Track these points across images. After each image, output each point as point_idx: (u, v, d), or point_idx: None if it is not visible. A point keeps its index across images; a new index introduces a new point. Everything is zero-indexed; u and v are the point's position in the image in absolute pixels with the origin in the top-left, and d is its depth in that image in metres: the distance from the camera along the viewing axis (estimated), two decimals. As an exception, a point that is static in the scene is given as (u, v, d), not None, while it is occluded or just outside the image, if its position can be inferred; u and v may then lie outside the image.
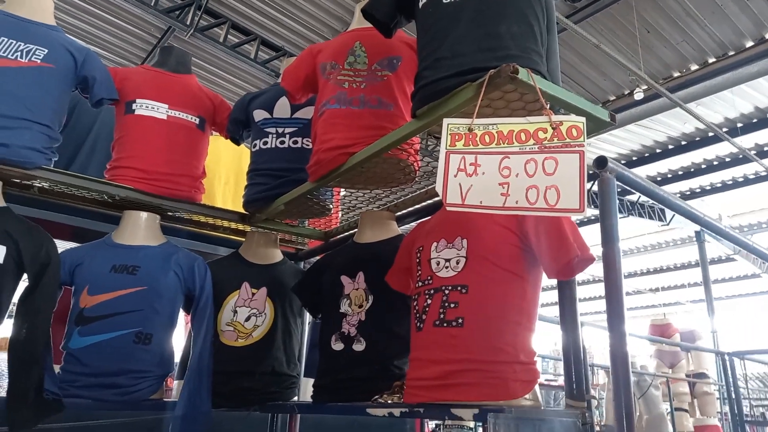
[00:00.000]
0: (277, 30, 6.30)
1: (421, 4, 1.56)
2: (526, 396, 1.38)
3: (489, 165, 1.24)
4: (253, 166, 2.29)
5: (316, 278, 2.11)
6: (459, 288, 1.46)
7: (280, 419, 2.47)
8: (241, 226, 2.50)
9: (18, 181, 2.01)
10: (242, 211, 2.42)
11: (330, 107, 1.88)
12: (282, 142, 2.26)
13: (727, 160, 8.09)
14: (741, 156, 7.56)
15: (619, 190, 1.55)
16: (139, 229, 2.15)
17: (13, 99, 1.88)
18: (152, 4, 5.55)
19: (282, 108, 2.30)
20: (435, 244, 1.57)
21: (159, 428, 1.96)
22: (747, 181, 8.48)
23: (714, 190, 8.82)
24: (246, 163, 3.81)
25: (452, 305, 1.45)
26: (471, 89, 1.34)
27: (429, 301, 1.51)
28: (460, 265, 1.49)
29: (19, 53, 1.94)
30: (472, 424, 7.47)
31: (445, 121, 1.29)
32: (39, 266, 1.81)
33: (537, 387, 1.42)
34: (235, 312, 2.22)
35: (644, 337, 6.10)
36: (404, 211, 2.18)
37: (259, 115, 2.33)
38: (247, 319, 2.22)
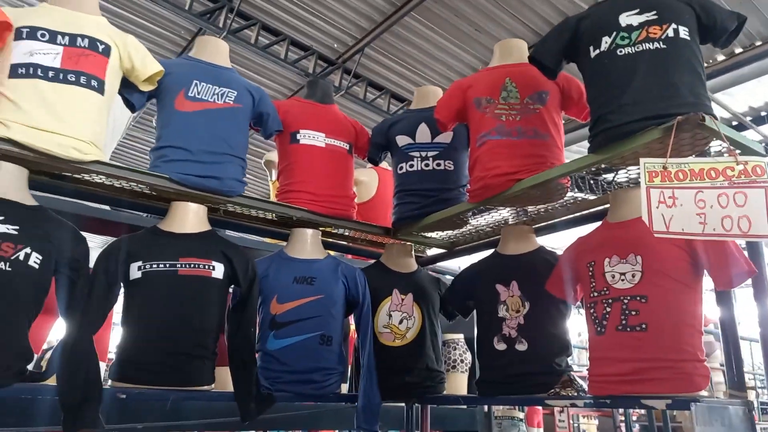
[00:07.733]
0: (306, 30, 6.21)
1: (593, 54, 1.82)
2: (706, 389, 1.64)
3: (685, 198, 1.50)
4: (402, 186, 2.58)
5: (469, 286, 2.40)
6: (638, 298, 1.73)
7: (414, 411, 2.76)
8: (383, 239, 2.80)
9: (210, 205, 2.32)
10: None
11: (491, 138, 2.15)
12: (426, 165, 2.54)
13: None
14: None
15: None
16: (307, 245, 2.46)
17: (218, 137, 2.19)
18: (187, 7, 5.51)
19: (423, 134, 2.59)
20: (607, 259, 1.84)
21: (343, 417, 2.27)
22: None
23: None
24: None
25: (633, 313, 1.72)
26: (657, 132, 1.60)
27: (608, 309, 1.78)
28: (636, 278, 1.76)
29: (216, 96, 2.24)
30: (521, 415, 7.60)
31: (642, 160, 1.56)
32: (248, 281, 2.12)
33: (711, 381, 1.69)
34: (390, 316, 2.52)
35: None
36: (541, 225, 2.46)
37: (402, 140, 2.61)
38: (401, 321, 2.52)
